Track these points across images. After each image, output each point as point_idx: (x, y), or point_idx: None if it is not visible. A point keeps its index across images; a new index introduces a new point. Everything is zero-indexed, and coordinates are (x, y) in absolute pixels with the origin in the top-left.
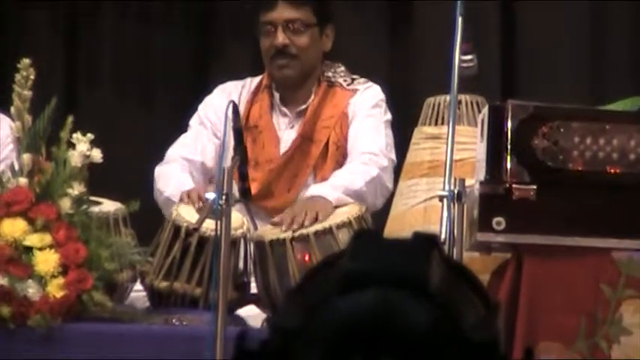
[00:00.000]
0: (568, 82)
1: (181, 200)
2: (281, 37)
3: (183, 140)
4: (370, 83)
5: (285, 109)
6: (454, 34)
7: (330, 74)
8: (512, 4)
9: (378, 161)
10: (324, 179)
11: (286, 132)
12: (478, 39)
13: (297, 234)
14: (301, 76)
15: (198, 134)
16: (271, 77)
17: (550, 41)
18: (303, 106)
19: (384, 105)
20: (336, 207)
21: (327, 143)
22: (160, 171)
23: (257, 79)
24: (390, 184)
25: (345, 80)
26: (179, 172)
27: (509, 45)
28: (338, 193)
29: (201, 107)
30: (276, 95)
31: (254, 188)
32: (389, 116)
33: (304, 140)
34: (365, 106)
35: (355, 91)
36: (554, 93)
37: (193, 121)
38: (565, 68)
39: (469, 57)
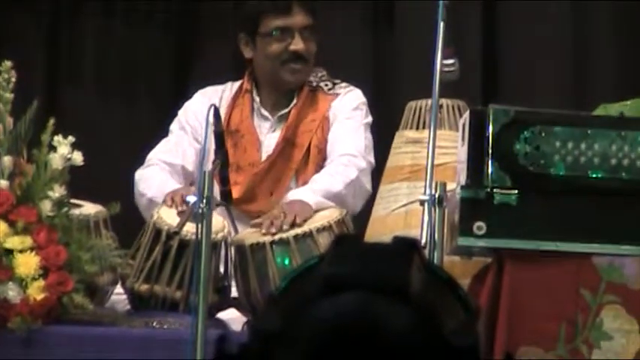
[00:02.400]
0: (550, 86)
1: (165, 202)
2: (300, 43)
3: (163, 144)
4: (352, 87)
5: (266, 113)
6: (436, 38)
7: (311, 79)
8: (494, 7)
9: (356, 163)
10: (305, 183)
11: (268, 136)
12: (460, 43)
13: (277, 238)
14: (305, 81)
15: (179, 139)
16: (269, 81)
17: (532, 45)
18: (285, 110)
19: (365, 108)
20: (316, 211)
21: (308, 147)
22: (140, 174)
23: (237, 84)
24: (368, 186)
25: (326, 85)
26: (160, 174)
27: (491, 49)
28: (318, 196)
29: (181, 112)
30: (257, 99)
31: (237, 192)
32: (369, 119)
33: (287, 144)
34: (345, 108)
35: (337, 95)
36: (536, 98)
37: (174, 126)
38: (548, 73)
39: (451, 61)
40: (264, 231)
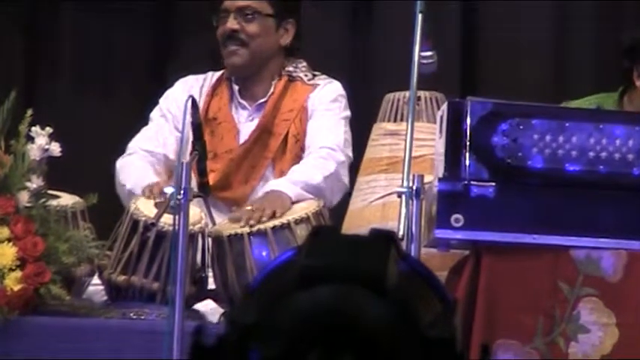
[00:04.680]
0: (529, 79)
1: (143, 194)
2: (230, 23)
3: (144, 133)
4: (331, 79)
5: (244, 102)
6: (414, 30)
7: (291, 69)
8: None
9: (335, 156)
10: (282, 172)
11: (246, 125)
12: (438, 35)
13: (255, 229)
14: (252, 66)
15: (160, 127)
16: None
17: (511, 37)
18: (263, 99)
19: (344, 101)
20: (295, 202)
21: (286, 136)
22: (121, 163)
23: (218, 73)
24: (346, 180)
25: (305, 75)
26: (141, 164)
27: (469, 41)
28: (297, 188)
29: (162, 100)
30: (236, 88)
31: (212, 179)
32: (348, 113)
33: (263, 132)
34: (324, 100)
35: (316, 86)
36: (515, 90)
37: (154, 114)
38: (526, 66)
39: (429, 53)
40: (242, 224)
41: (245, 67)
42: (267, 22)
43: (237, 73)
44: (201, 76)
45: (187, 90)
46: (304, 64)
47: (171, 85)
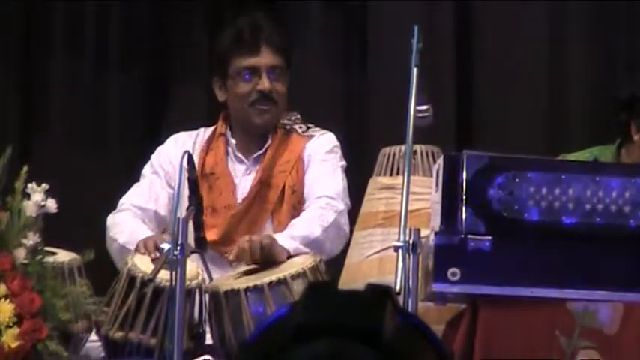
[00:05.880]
0: (525, 132)
1: (137, 249)
2: (267, 83)
3: (136, 189)
4: (325, 131)
5: (240, 156)
6: (410, 84)
7: (285, 121)
8: (469, 52)
9: (334, 205)
10: (280, 223)
11: (243, 179)
12: (434, 89)
13: (251, 284)
14: (274, 124)
15: (152, 183)
16: (240, 123)
17: (507, 91)
18: (260, 152)
19: (339, 152)
20: (291, 257)
21: (283, 188)
22: (112, 219)
23: (210, 129)
24: (346, 228)
25: (300, 127)
26: (132, 220)
27: (465, 95)
28: (295, 242)
29: (154, 156)
30: (233, 142)
31: (214, 234)
32: (344, 163)
33: (262, 186)
34: (320, 151)
35: (311, 137)
36: (511, 144)
37: (146, 171)
38: (522, 119)
39: (425, 107)
40: (232, 257)
41: (270, 125)
42: (287, 79)
43: (261, 130)
44: (193, 133)
45: (180, 146)
46: (298, 116)
47: (164, 138)
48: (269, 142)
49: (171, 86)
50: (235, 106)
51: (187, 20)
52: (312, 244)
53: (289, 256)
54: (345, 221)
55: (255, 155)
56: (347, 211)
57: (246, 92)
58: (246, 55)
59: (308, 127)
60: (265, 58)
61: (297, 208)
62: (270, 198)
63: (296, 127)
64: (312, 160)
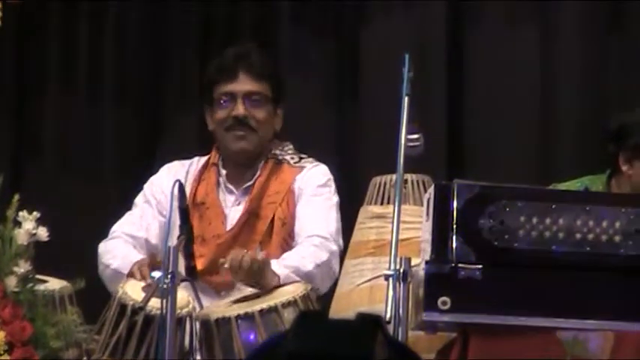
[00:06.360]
0: (516, 161)
1: (131, 274)
2: (241, 108)
3: (127, 217)
4: (317, 162)
5: (231, 187)
6: (400, 113)
7: (277, 152)
8: (459, 81)
9: (328, 246)
10: (269, 255)
11: (233, 209)
12: (425, 118)
13: (242, 312)
14: (255, 152)
15: (144, 212)
16: (224, 151)
17: (498, 119)
18: (250, 183)
19: (333, 185)
20: (281, 285)
21: (272, 219)
22: (104, 246)
23: (204, 158)
24: (336, 269)
25: (292, 158)
26: (124, 245)
27: (455, 124)
28: (287, 271)
29: (147, 185)
30: (223, 172)
31: (201, 264)
32: (337, 198)
33: (251, 216)
34: (312, 184)
35: (302, 168)
36: (501, 172)
37: (138, 199)
38: (512, 148)
39: (415, 136)
40: (227, 266)
41: (250, 153)
42: (270, 108)
43: (241, 158)
44: (187, 162)
45: (172, 175)
46: (290, 146)
47: (157, 167)
48: (259, 172)
49: (164, 116)
50: (217, 132)
51: (181, 52)
52: (303, 277)
53: (279, 286)
54: (335, 262)
55: (245, 186)
56: (339, 252)
57: (223, 118)
58: (224, 82)
59: (301, 158)
60: (242, 84)
61: (287, 241)
62: (259, 229)
63: (287, 157)
64: (303, 193)
